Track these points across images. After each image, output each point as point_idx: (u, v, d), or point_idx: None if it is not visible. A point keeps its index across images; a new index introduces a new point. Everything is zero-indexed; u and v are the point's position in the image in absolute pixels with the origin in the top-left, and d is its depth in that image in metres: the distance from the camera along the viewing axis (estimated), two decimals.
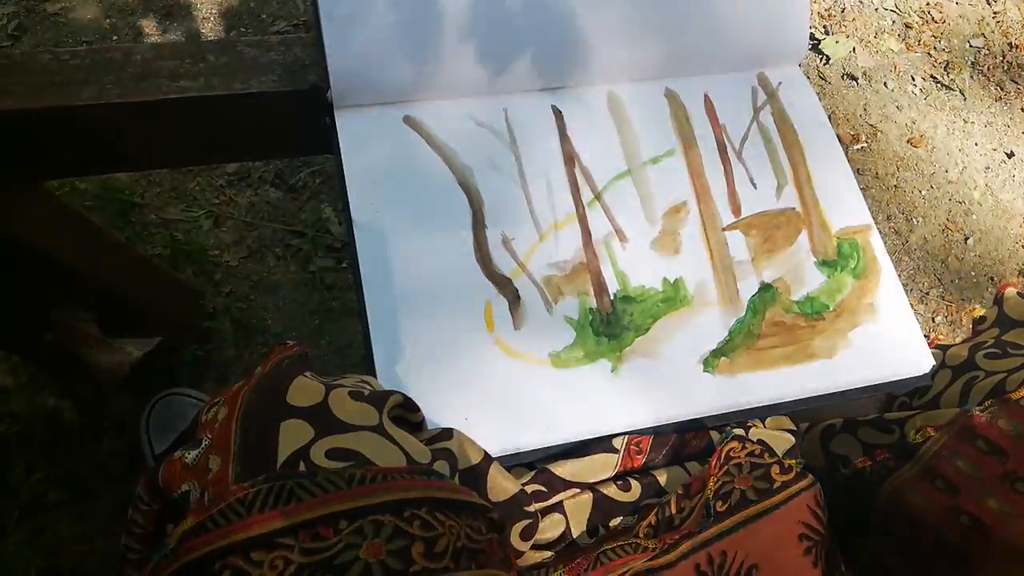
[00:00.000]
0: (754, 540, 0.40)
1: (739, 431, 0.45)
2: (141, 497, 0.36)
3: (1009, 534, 0.39)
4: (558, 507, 0.43)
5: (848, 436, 0.51)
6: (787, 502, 0.41)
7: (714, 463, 0.43)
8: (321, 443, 0.32)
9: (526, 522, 0.40)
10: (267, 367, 0.38)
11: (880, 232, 1.13)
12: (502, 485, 0.39)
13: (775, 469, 0.42)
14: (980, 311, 0.59)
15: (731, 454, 0.44)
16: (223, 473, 0.31)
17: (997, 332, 0.54)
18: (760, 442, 0.45)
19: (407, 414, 0.39)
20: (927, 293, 1.09)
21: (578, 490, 0.43)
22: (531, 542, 0.40)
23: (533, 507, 0.42)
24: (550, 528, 0.42)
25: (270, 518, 0.29)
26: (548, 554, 0.42)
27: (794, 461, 0.44)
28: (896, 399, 0.57)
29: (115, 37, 1.12)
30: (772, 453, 0.44)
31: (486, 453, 0.39)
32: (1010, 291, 0.57)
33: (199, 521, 0.29)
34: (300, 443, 0.32)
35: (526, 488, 0.42)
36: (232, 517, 0.29)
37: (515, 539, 0.40)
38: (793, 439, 0.46)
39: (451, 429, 0.39)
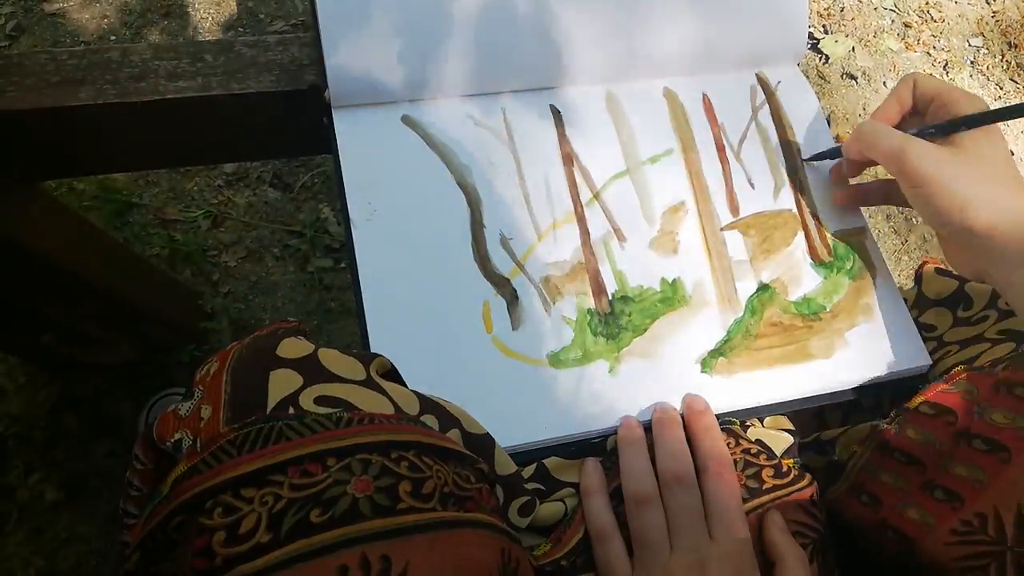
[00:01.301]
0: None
1: (734, 427, 0.45)
2: (137, 457, 0.37)
3: (930, 544, 0.39)
4: (559, 498, 0.43)
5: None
6: (777, 501, 0.42)
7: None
8: (310, 390, 0.33)
9: (525, 499, 0.40)
10: (262, 331, 0.38)
11: (879, 232, 1.13)
12: (506, 461, 0.40)
13: (768, 471, 0.42)
14: (903, 293, 0.57)
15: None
16: (214, 420, 0.32)
17: (915, 314, 0.52)
18: (758, 442, 0.45)
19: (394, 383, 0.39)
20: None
21: (573, 491, 0.43)
22: (529, 519, 0.40)
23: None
24: (550, 513, 0.42)
25: (259, 456, 0.29)
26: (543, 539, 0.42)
27: (791, 461, 0.44)
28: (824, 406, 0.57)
29: (113, 37, 1.12)
30: (770, 454, 0.44)
31: (488, 433, 0.39)
32: (928, 268, 0.56)
33: (191, 464, 0.30)
34: (289, 390, 0.32)
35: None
36: (223, 457, 0.29)
37: (513, 515, 0.40)
38: (792, 438, 0.46)
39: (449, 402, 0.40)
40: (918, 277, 0.56)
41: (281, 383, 0.33)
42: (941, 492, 0.39)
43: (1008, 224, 0.40)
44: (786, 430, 0.47)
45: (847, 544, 0.45)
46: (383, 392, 0.35)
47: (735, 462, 0.42)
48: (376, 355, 0.37)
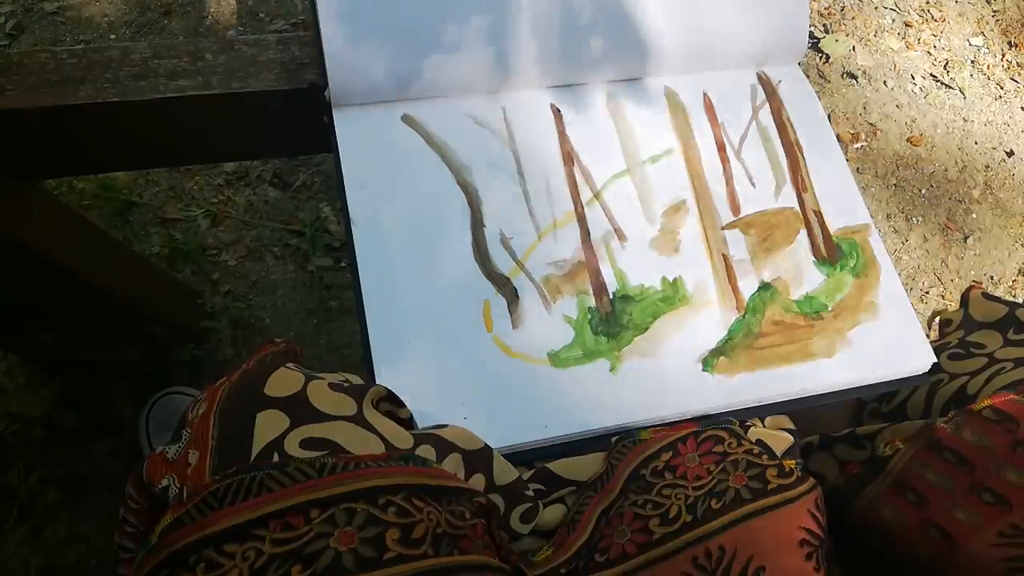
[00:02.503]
0: (753, 539, 0.40)
1: (735, 427, 0.45)
2: (131, 495, 0.37)
3: (974, 545, 0.39)
4: (559, 499, 0.43)
5: (824, 453, 0.51)
6: (785, 505, 0.41)
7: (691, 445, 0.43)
8: (296, 432, 0.32)
9: (527, 506, 0.40)
10: (251, 363, 0.38)
11: (880, 231, 1.13)
12: (506, 469, 0.40)
13: (772, 471, 0.42)
14: (948, 314, 0.58)
15: (728, 449, 0.44)
16: (200, 467, 0.31)
17: (962, 334, 0.53)
18: (759, 442, 0.45)
19: (393, 408, 0.39)
20: (927, 292, 1.09)
21: (575, 488, 0.43)
22: (531, 525, 0.40)
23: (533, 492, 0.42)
24: (551, 516, 0.42)
25: (240, 510, 0.29)
26: (546, 542, 0.42)
27: (793, 463, 0.44)
28: (867, 405, 0.57)
29: (113, 36, 1.12)
30: (772, 455, 0.44)
31: (486, 444, 0.39)
32: (975, 292, 0.56)
33: (176, 516, 0.30)
34: (275, 434, 0.32)
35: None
36: (205, 510, 0.29)
37: (515, 522, 0.40)
38: (792, 439, 0.46)
39: (447, 425, 0.39)
40: (964, 300, 0.57)
41: (267, 426, 0.32)
42: (990, 495, 0.40)
43: None
44: (786, 430, 0.47)
45: (862, 543, 0.45)
46: (372, 430, 0.34)
47: (737, 462, 0.42)
48: (372, 386, 0.37)
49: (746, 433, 0.45)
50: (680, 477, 0.42)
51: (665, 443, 0.43)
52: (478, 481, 0.38)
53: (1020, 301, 0.53)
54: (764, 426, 0.47)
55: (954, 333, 0.55)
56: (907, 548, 0.44)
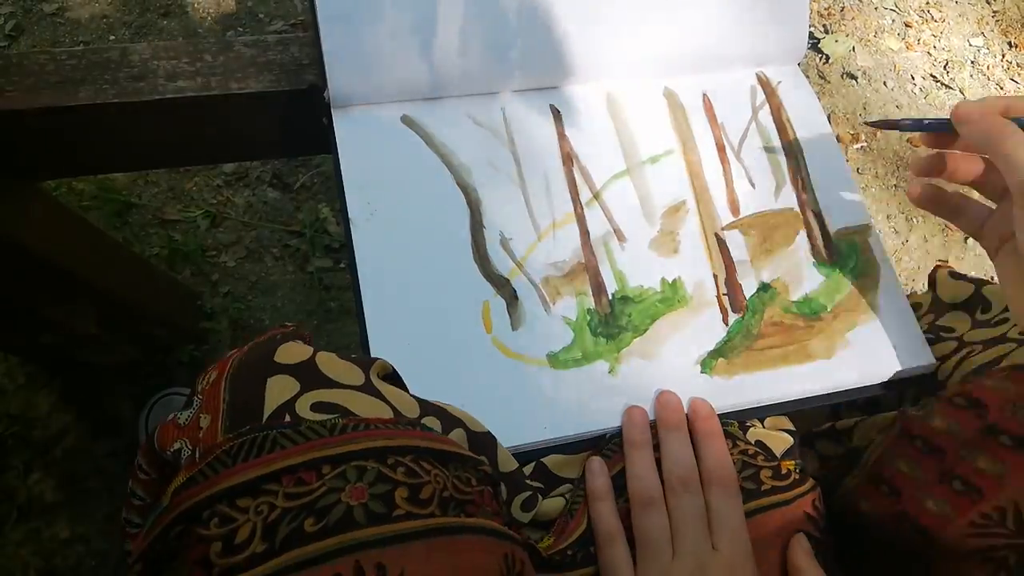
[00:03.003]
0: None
1: (732, 429, 0.45)
2: (140, 466, 0.37)
3: (949, 536, 0.39)
4: (558, 494, 0.43)
5: (805, 449, 0.51)
6: (779, 507, 0.41)
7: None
8: (306, 396, 0.32)
9: (527, 494, 0.40)
10: (261, 338, 0.38)
11: (880, 232, 1.13)
12: (508, 458, 0.40)
13: (766, 472, 0.42)
14: (916, 297, 0.56)
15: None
16: (213, 429, 0.32)
17: (932, 318, 0.52)
18: (758, 443, 0.45)
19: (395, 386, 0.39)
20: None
21: (571, 486, 0.43)
22: (532, 514, 0.40)
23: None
24: (551, 507, 0.42)
25: (253, 466, 0.29)
26: (546, 533, 0.42)
27: (792, 464, 0.44)
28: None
29: (112, 37, 1.12)
30: (770, 456, 0.44)
31: (489, 431, 0.39)
32: (942, 272, 0.55)
33: (190, 475, 0.30)
34: (286, 397, 0.32)
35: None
36: (218, 467, 0.30)
37: (516, 510, 0.40)
38: (791, 439, 0.46)
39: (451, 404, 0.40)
40: (931, 281, 0.55)
41: (278, 389, 0.32)
42: (960, 483, 0.39)
43: None
44: (786, 430, 0.47)
45: (849, 536, 0.45)
46: (381, 397, 0.34)
47: (733, 463, 0.42)
48: (376, 359, 0.37)
49: (745, 434, 0.45)
50: None
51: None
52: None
53: (986, 278, 0.52)
54: (764, 427, 0.47)
55: (924, 317, 0.53)
56: (886, 541, 0.43)
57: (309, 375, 0.33)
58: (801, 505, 0.42)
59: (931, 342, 0.48)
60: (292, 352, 0.35)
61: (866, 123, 0.48)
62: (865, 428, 0.46)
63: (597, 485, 0.41)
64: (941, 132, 0.43)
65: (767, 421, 0.47)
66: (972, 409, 0.40)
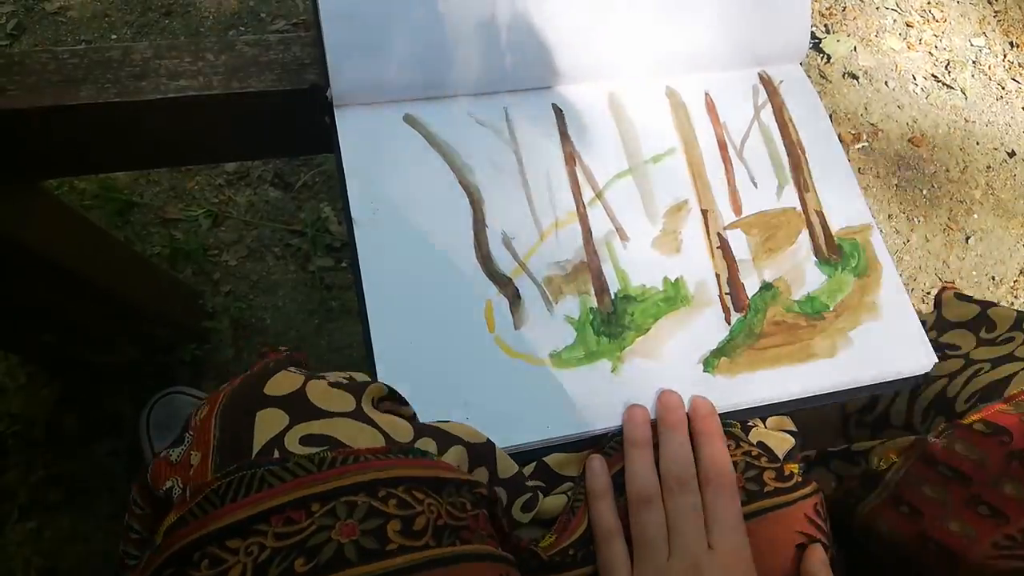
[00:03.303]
0: (750, 541, 0.40)
1: (735, 430, 0.45)
2: (136, 501, 0.37)
3: (973, 557, 0.39)
4: (559, 492, 0.43)
5: (821, 468, 0.50)
6: (782, 508, 0.41)
7: None
8: (296, 430, 0.32)
9: (527, 496, 0.41)
10: (254, 368, 0.38)
11: (881, 231, 1.13)
12: (508, 464, 0.40)
13: (769, 474, 0.42)
14: (920, 316, 0.57)
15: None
16: (203, 467, 0.32)
17: (935, 335, 0.53)
18: (760, 444, 0.45)
19: (394, 406, 0.39)
20: (928, 293, 1.09)
21: (573, 484, 0.43)
22: (532, 514, 0.41)
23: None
24: (553, 505, 0.42)
25: (242, 506, 0.29)
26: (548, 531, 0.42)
27: (796, 467, 0.44)
28: (851, 417, 0.56)
29: (114, 36, 1.12)
30: (772, 457, 0.44)
31: (489, 439, 0.39)
32: (948, 294, 0.56)
33: (180, 515, 0.30)
34: (275, 431, 0.32)
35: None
36: (208, 508, 0.30)
37: (517, 511, 0.40)
38: (793, 440, 0.46)
39: (450, 421, 0.39)
40: (937, 302, 0.56)
41: (267, 424, 0.32)
42: (986, 508, 0.39)
43: None
44: (787, 431, 0.47)
45: (867, 553, 0.45)
46: (372, 423, 0.34)
47: (735, 464, 0.42)
48: (370, 383, 0.37)
49: (747, 435, 0.45)
50: None
51: None
52: (481, 474, 0.38)
53: (993, 301, 0.53)
54: (765, 427, 0.47)
55: (928, 334, 0.54)
56: (905, 559, 0.43)
57: (299, 407, 0.33)
58: (802, 507, 0.42)
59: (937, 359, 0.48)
60: (282, 383, 0.34)
61: None
62: (883, 450, 0.46)
63: (597, 484, 0.41)
64: None
65: (769, 422, 0.47)
66: (994, 436, 0.40)
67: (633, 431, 0.42)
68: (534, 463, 0.43)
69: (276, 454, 0.31)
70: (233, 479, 0.30)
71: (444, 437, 0.37)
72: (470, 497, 0.34)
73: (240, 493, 0.30)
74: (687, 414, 0.44)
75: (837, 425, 0.57)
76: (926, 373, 0.48)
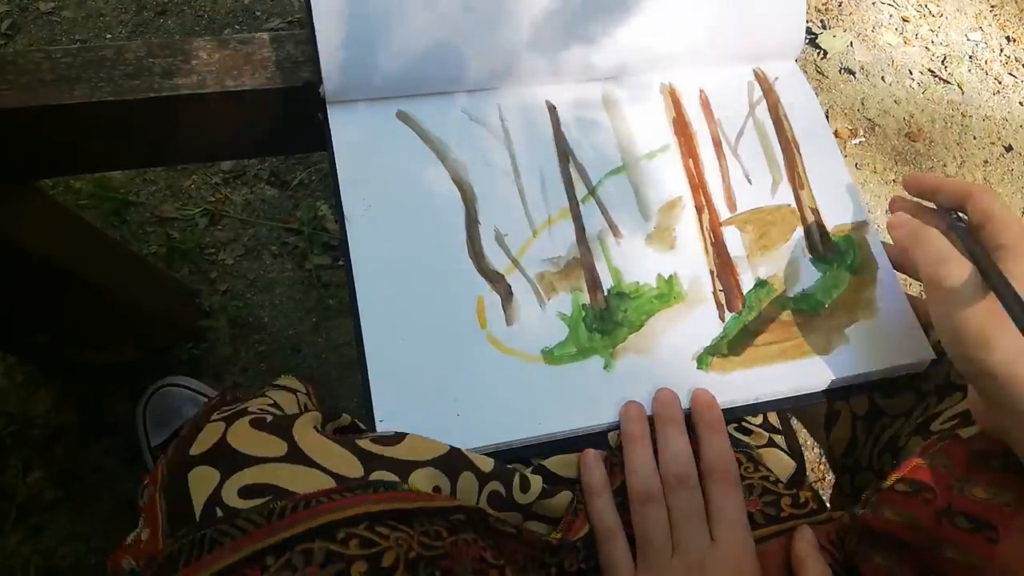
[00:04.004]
0: (765, 563, 0.39)
1: (753, 452, 0.44)
2: None
3: None
4: (563, 489, 0.42)
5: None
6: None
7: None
8: (229, 483, 0.31)
9: (517, 477, 0.40)
10: (184, 431, 0.37)
11: (878, 227, 1.13)
12: (482, 459, 0.39)
13: (786, 500, 0.42)
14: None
15: (744, 473, 0.43)
16: (154, 540, 0.31)
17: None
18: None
19: (332, 423, 0.38)
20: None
21: (572, 486, 0.43)
22: (531, 495, 0.40)
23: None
24: (559, 502, 0.41)
25: (195, 569, 0.28)
26: (554, 528, 0.41)
27: (810, 494, 0.43)
28: (837, 460, 0.53)
29: (109, 35, 1.12)
30: (789, 484, 0.43)
31: (449, 445, 0.38)
32: None
33: None
34: (209, 489, 0.31)
35: None
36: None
37: (517, 495, 0.39)
38: (793, 463, 0.46)
39: (402, 433, 0.38)
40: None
41: (200, 484, 0.31)
42: None
43: None
44: (785, 451, 0.47)
45: None
46: (313, 463, 0.33)
47: (752, 487, 0.41)
48: (298, 414, 0.35)
49: (748, 436, 0.45)
50: None
51: None
52: (468, 479, 0.37)
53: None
54: (766, 447, 0.47)
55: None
56: None
57: (224, 458, 0.32)
58: (817, 534, 0.41)
59: (888, 392, 0.48)
60: (205, 439, 0.33)
61: None
62: (837, 527, 0.44)
63: (593, 480, 0.41)
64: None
65: (764, 453, 0.47)
66: (918, 494, 0.37)
67: (630, 426, 0.42)
68: (529, 468, 0.43)
69: (219, 512, 0.30)
70: (183, 543, 0.29)
71: (400, 465, 0.35)
72: (445, 524, 0.33)
73: (192, 556, 0.29)
74: (689, 408, 0.43)
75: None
76: (927, 369, 0.48)
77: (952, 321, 0.35)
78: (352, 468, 0.33)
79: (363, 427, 0.40)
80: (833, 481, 0.55)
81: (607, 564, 0.39)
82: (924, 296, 0.40)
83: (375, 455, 0.35)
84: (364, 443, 0.36)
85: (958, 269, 0.36)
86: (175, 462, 0.33)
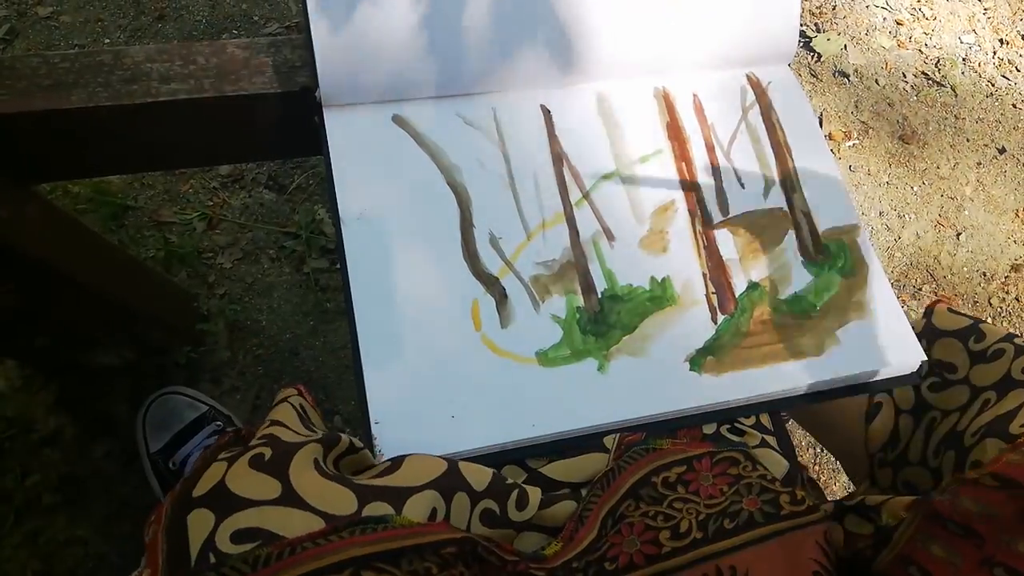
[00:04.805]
0: (764, 562, 0.39)
1: (752, 452, 0.44)
2: None
3: None
4: (565, 496, 0.42)
5: (836, 524, 0.49)
6: (797, 530, 0.41)
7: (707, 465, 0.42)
8: (224, 527, 0.31)
9: (515, 493, 0.40)
10: (193, 468, 0.38)
11: (872, 229, 1.13)
12: (479, 472, 0.39)
13: (785, 498, 0.42)
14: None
15: (742, 472, 0.43)
16: None
17: (925, 344, 0.51)
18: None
19: (333, 452, 0.38)
20: (919, 289, 1.10)
21: (569, 490, 0.43)
22: (527, 512, 0.40)
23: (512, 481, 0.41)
24: (561, 511, 0.41)
25: None
26: (554, 539, 0.41)
27: (803, 492, 0.44)
28: (875, 456, 0.54)
29: (107, 40, 1.12)
30: (785, 481, 0.43)
31: (446, 460, 0.38)
32: (941, 306, 0.54)
33: None
34: (205, 534, 0.31)
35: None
36: None
37: (512, 512, 0.39)
38: (787, 463, 0.46)
39: (401, 457, 0.38)
40: (928, 313, 0.55)
41: (197, 528, 0.32)
42: (1003, 570, 0.36)
43: None
44: (777, 450, 0.47)
45: None
46: (305, 505, 0.33)
47: (751, 486, 0.41)
48: (299, 446, 0.35)
49: (742, 437, 0.45)
50: (693, 493, 0.42)
51: (680, 457, 0.43)
52: (461, 500, 0.37)
53: (983, 318, 0.51)
54: (753, 428, 0.47)
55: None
56: None
57: (221, 501, 0.32)
58: (814, 534, 0.41)
59: (940, 387, 0.48)
60: (208, 479, 0.33)
61: None
62: (892, 506, 0.44)
63: None
64: None
65: (759, 452, 0.47)
66: (1006, 489, 0.37)
67: None
68: (525, 475, 0.43)
69: (212, 558, 0.30)
70: None
71: (395, 493, 0.35)
72: (435, 560, 0.33)
73: None
74: (683, 410, 0.42)
75: (864, 464, 0.55)
76: (917, 373, 0.48)
77: None
78: (345, 504, 0.33)
79: (360, 445, 0.40)
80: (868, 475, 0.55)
81: None
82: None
83: (370, 487, 0.35)
84: (361, 479, 0.36)
85: None
86: (179, 502, 0.33)
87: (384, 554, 0.31)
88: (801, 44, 1.25)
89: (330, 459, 0.38)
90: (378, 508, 0.34)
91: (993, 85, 1.28)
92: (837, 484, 0.97)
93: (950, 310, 0.54)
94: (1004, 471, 0.38)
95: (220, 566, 0.30)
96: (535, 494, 0.41)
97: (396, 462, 0.38)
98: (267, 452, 0.35)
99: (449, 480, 0.37)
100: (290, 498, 0.33)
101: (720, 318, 0.47)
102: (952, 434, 0.46)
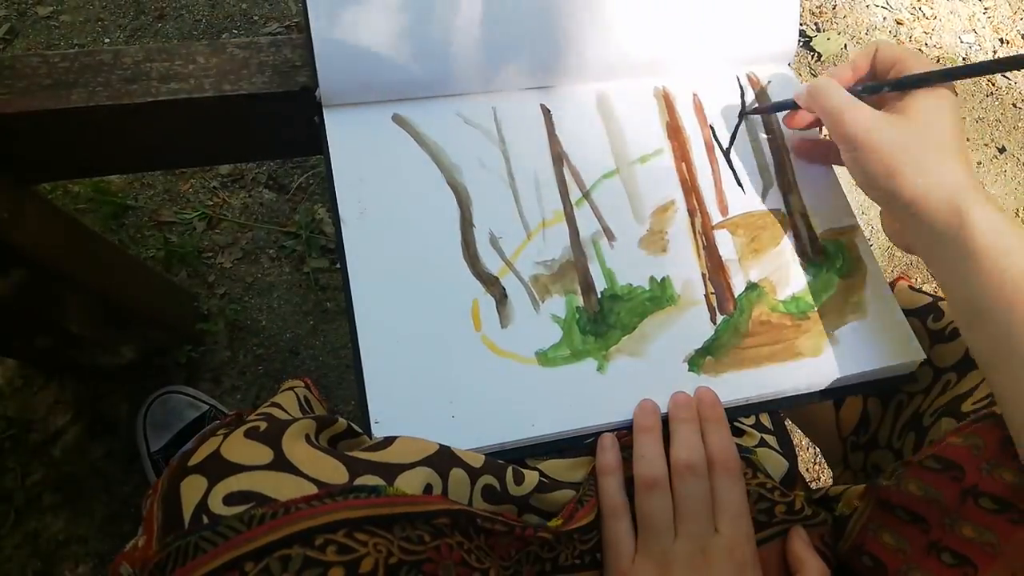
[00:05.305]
0: (760, 564, 0.40)
1: (754, 458, 0.45)
2: None
3: None
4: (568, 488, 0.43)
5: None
6: (787, 534, 0.42)
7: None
8: (216, 490, 0.32)
9: (510, 469, 0.40)
10: (191, 445, 0.38)
11: (872, 228, 1.13)
12: (472, 456, 0.39)
13: (780, 508, 0.42)
14: None
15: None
16: (148, 546, 0.32)
17: None
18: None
19: (328, 431, 0.38)
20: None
21: (571, 490, 0.43)
22: (524, 485, 0.40)
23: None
24: (562, 498, 0.41)
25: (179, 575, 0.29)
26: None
27: (802, 496, 0.44)
28: (847, 438, 0.55)
29: (107, 40, 1.12)
30: (783, 491, 0.44)
31: (438, 444, 0.38)
32: (902, 283, 0.55)
33: None
34: (197, 497, 0.32)
35: None
36: None
37: (511, 487, 0.40)
38: (786, 462, 0.46)
39: (392, 436, 0.38)
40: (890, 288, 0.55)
41: (189, 492, 0.32)
42: (949, 556, 0.37)
43: (935, 195, 0.38)
44: (777, 451, 0.47)
45: None
46: (296, 471, 0.33)
47: (749, 493, 0.42)
48: (290, 422, 0.36)
49: (740, 437, 0.45)
50: None
51: None
52: (459, 476, 0.37)
53: (941, 295, 0.52)
54: (752, 428, 0.47)
55: None
56: None
57: (214, 467, 0.33)
58: (810, 536, 0.42)
59: None
60: (203, 450, 0.34)
61: (741, 114, 0.53)
62: (848, 496, 0.45)
63: (607, 459, 0.41)
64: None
65: (760, 451, 0.47)
66: (946, 472, 0.38)
67: (642, 418, 0.43)
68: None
69: (205, 519, 0.31)
70: (170, 551, 0.30)
71: (387, 469, 0.35)
72: (428, 529, 0.33)
73: (177, 563, 0.30)
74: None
75: (839, 450, 0.56)
76: (913, 372, 0.48)
77: (861, 162, 0.42)
78: (337, 475, 0.34)
79: (359, 430, 0.40)
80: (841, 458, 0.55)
81: (609, 542, 0.39)
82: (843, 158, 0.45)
83: (361, 460, 0.35)
84: (353, 452, 0.36)
85: (857, 113, 0.42)
86: (174, 473, 0.34)
87: (377, 518, 0.32)
88: (801, 43, 1.25)
89: (324, 437, 0.39)
90: (369, 480, 0.34)
91: (993, 85, 1.28)
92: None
93: (911, 287, 0.54)
94: (945, 453, 0.38)
95: (215, 525, 0.30)
96: (531, 473, 0.41)
97: (387, 439, 0.38)
98: (262, 425, 0.35)
99: (442, 459, 0.37)
100: (282, 464, 0.33)
101: (719, 318, 0.47)
102: (915, 416, 0.47)
